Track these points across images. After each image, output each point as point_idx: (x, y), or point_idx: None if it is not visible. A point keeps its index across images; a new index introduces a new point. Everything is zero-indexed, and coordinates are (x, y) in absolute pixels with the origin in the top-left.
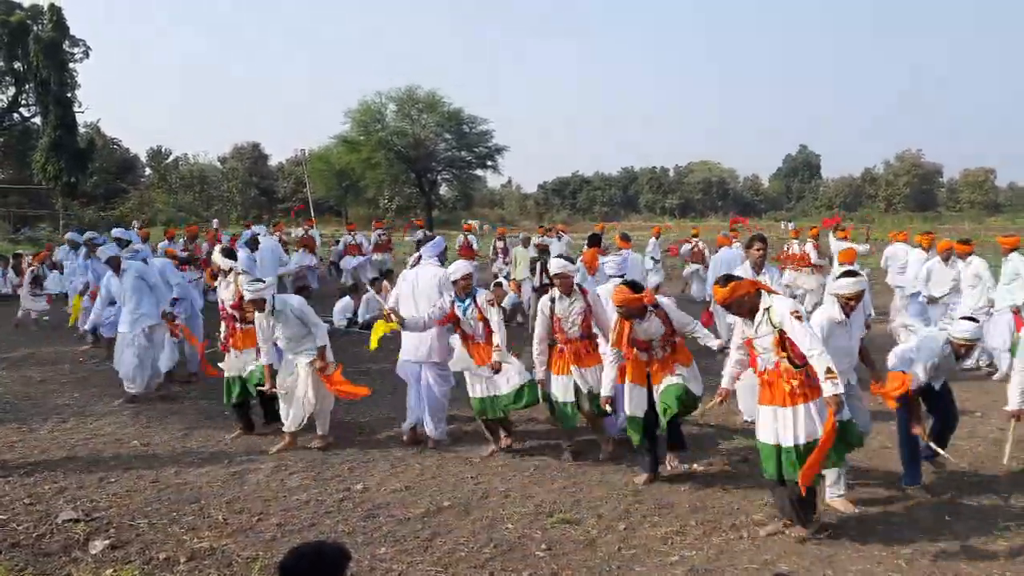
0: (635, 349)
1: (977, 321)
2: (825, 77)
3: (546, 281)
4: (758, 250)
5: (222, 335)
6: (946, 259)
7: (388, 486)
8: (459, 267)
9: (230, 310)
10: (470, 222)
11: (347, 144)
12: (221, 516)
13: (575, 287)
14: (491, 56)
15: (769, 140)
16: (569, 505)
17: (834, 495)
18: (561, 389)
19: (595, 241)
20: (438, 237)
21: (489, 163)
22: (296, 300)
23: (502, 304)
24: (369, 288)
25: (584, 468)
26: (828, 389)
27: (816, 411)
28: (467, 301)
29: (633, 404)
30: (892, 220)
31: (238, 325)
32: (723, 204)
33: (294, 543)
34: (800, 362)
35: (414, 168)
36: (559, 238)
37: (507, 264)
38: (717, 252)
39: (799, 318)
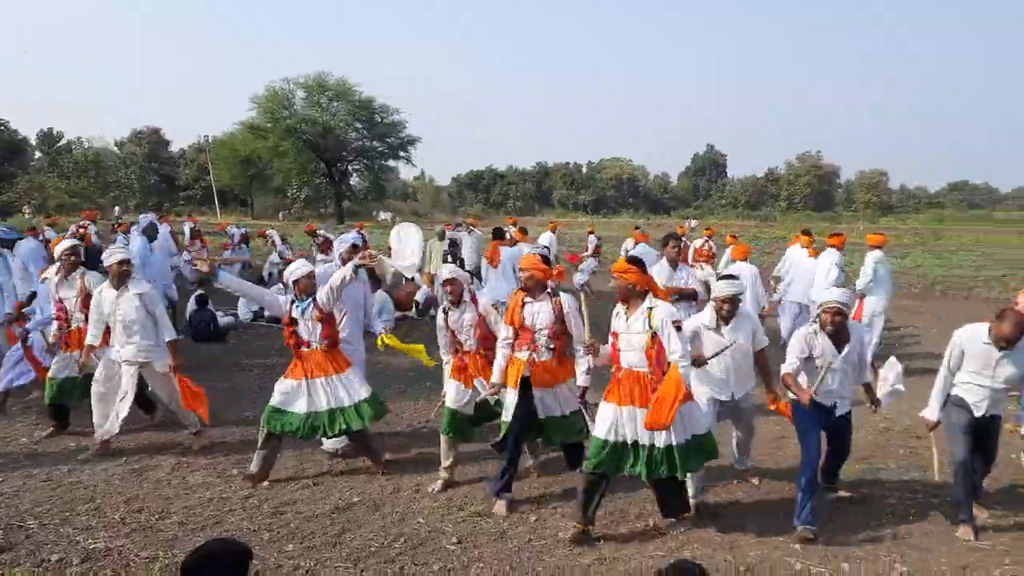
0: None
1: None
2: (733, 78)
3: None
4: (673, 248)
5: (54, 333)
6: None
7: (295, 483)
8: (298, 267)
9: (72, 310)
10: (383, 215)
11: (253, 131)
12: (118, 515)
13: (465, 297)
14: (404, 47)
15: (678, 139)
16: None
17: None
18: (452, 396)
19: (499, 234)
20: (354, 232)
21: (402, 154)
22: (150, 286)
23: (415, 298)
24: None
25: (496, 462)
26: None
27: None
28: (307, 301)
29: (506, 406)
30: (792, 218)
31: (75, 325)
32: (634, 201)
33: (197, 542)
34: (662, 368)
35: (324, 157)
36: (469, 232)
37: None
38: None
39: (679, 328)
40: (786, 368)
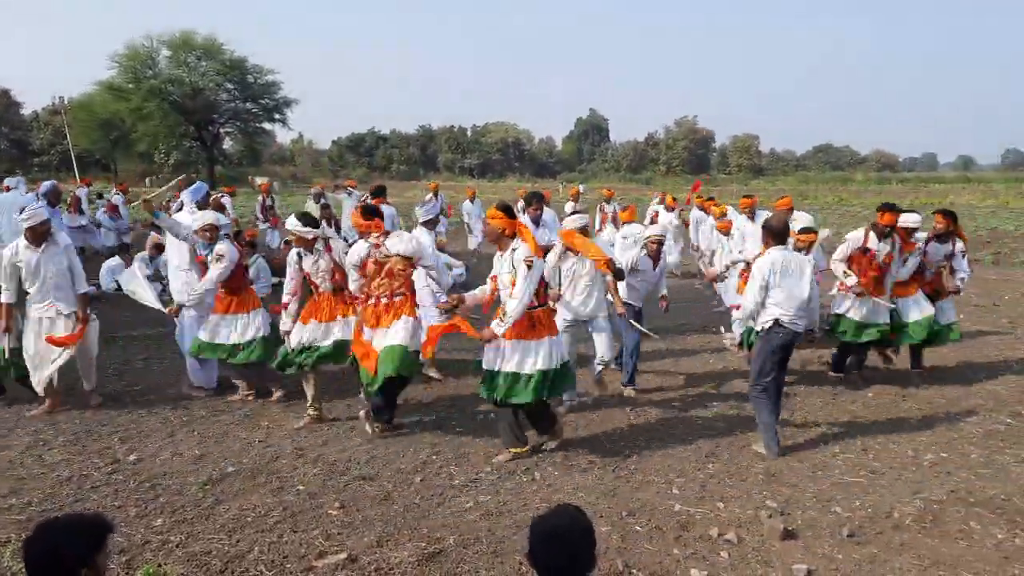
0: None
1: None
2: (614, 44)
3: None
4: (535, 209)
5: None
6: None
7: (165, 455)
8: (204, 216)
9: None
10: (263, 180)
11: (113, 91)
12: None
13: (318, 246)
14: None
15: (562, 104)
16: (365, 462)
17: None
18: (311, 336)
19: (380, 192)
20: (199, 182)
21: (277, 116)
22: (65, 237)
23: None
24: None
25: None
26: (495, 325)
27: (553, 345)
28: (212, 248)
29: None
30: (672, 182)
31: None
32: (519, 165)
33: None
34: (540, 300)
35: (193, 120)
36: (349, 194)
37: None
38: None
39: (529, 266)
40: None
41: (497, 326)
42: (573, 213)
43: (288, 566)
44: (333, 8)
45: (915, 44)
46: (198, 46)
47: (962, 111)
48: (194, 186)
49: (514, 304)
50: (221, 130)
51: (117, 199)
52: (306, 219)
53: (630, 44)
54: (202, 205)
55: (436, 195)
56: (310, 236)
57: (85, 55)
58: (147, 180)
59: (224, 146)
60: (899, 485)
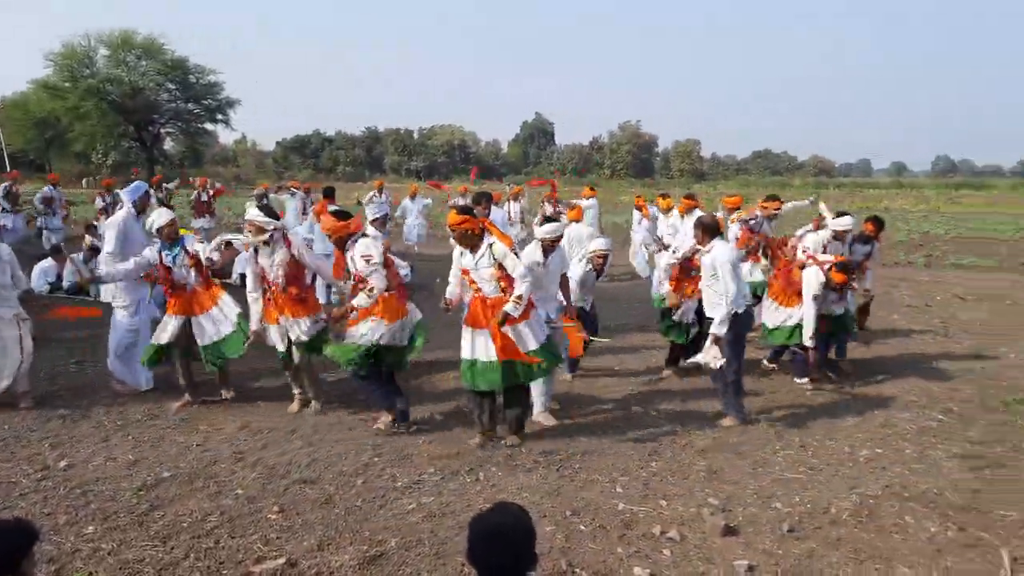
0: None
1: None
2: (559, 48)
3: None
4: (484, 207)
5: None
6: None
7: (98, 460)
8: (161, 213)
9: None
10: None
11: (49, 90)
12: None
13: (276, 237)
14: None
15: (508, 107)
16: (306, 464)
17: (539, 411)
18: (274, 337)
19: (329, 193)
20: (137, 182)
21: (220, 117)
22: (6, 248)
23: (236, 267)
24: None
25: (326, 425)
26: (509, 307)
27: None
28: (176, 249)
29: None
30: (616, 185)
31: None
32: (466, 167)
33: None
34: (510, 291)
35: (132, 120)
36: (292, 194)
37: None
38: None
39: (517, 254)
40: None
41: (513, 309)
42: (547, 222)
43: (225, 572)
44: (276, 6)
45: (854, 53)
46: (138, 45)
47: (896, 119)
48: (132, 185)
49: (525, 286)
50: (162, 130)
51: (50, 192)
52: (267, 210)
53: (578, 48)
54: (140, 205)
55: (381, 192)
56: (270, 228)
57: (18, 53)
58: (84, 181)
59: (165, 147)
60: (836, 481)
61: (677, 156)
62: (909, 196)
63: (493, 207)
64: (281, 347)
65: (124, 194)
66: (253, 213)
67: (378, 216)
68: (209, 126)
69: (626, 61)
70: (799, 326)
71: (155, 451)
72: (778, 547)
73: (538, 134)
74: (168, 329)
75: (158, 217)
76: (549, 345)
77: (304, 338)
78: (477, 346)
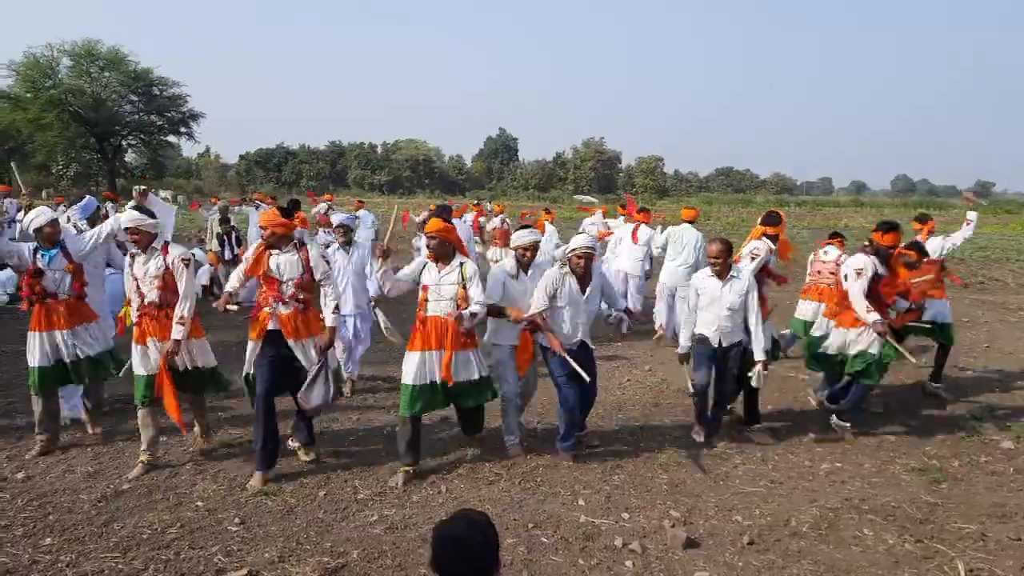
0: (268, 298)
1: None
2: (523, 64)
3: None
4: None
5: None
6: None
7: (56, 472)
8: (42, 212)
9: None
10: (163, 194)
11: (10, 101)
12: None
13: (155, 244)
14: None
15: (471, 122)
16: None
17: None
18: (137, 361)
19: (294, 206)
20: (88, 198)
21: (183, 130)
22: None
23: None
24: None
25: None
26: (466, 314)
27: (475, 357)
28: (54, 251)
29: (249, 363)
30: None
31: None
32: (430, 182)
33: None
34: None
35: (94, 132)
36: (257, 208)
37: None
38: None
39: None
40: (535, 307)
41: (468, 320)
42: (522, 228)
43: None
44: (241, 19)
45: (814, 74)
46: (102, 55)
47: (856, 138)
48: (83, 201)
49: (480, 308)
50: (124, 142)
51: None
52: (145, 211)
53: (541, 65)
54: (92, 221)
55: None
56: (153, 231)
57: None
58: (43, 192)
59: (126, 158)
60: (797, 494)
61: (640, 172)
62: (868, 214)
63: (456, 221)
64: (137, 370)
65: (75, 211)
66: (131, 216)
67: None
68: (172, 139)
69: (589, 78)
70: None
71: (115, 463)
72: (739, 559)
73: (502, 149)
74: (35, 350)
75: (38, 216)
76: (489, 380)
77: (188, 366)
78: (426, 369)
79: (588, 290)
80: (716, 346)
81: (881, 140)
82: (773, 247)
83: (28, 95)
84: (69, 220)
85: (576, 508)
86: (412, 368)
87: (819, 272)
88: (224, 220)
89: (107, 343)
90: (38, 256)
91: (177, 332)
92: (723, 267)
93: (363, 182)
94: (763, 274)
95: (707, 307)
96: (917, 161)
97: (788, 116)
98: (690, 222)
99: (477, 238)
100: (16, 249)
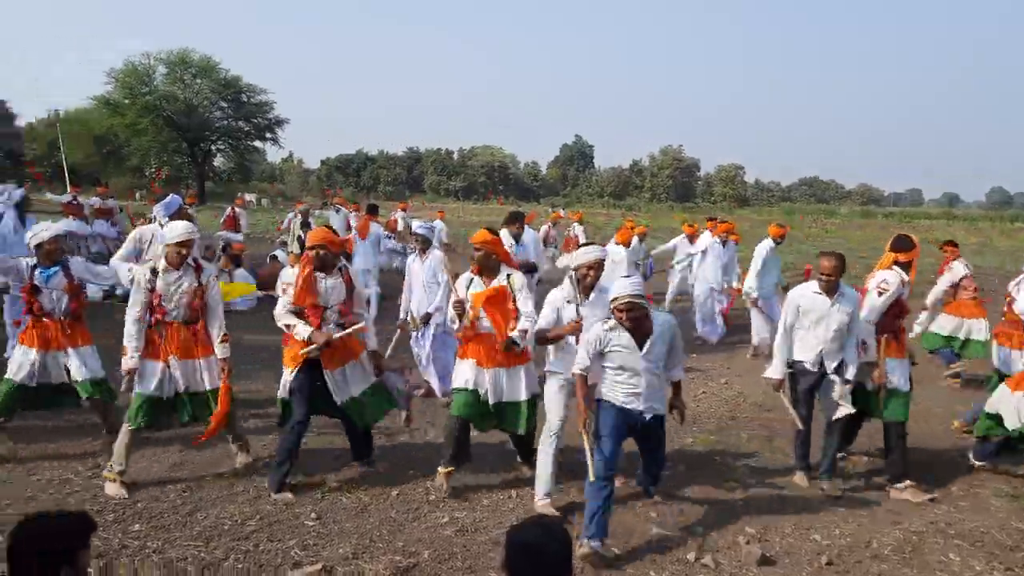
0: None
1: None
2: (601, 71)
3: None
4: (519, 226)
5: None
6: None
7: (144, 462)
8: (46, 227)
9: None
10: (248, 197)
11: (110, 106)
12: None
13: (189, 261)
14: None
15: (547, 129)
16: (341, 474)
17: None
18: (152, 380)
19: (372, 210)
20: (172, 196)
21: (269, 135)
22: None
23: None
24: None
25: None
26: (515, 335)
27: (526, 376)
28: (53, 269)
29: (285, 388)
30: (656, 208)
31: None
32: (504, 188)
33: None
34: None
35: (186, 136)
36: (337, 211)
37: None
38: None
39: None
40: (576, 367)
41: (519, 338)
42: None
43: (263, 575)
44: (325, 28)
45: (907, 85)
46: (194, 64)
47: (949, 149)
48: (167, 199)
49: (530, 324)
50: (213, 147)
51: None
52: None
53: (619, 71)
54: (173, 218)
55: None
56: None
57: (82, 70)
58: (137, 194)
59: (215, 163)
60: (879, 515)
61: (719, 180)
62: (961, 228)
63: (528, 228)
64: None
65: (159, 209)
66: (188, 228)
67: (421, 234)
68: (258, 144)
69: (669, 81)
70: None
71: (199, 455)
72: None
73: (577, 156)
74: (21, 365)
75: (42, 231)
76: (534, 402)
77: (198, 389)
78: (477, 379)
79: (648, 344)
80: (816, 371)
81: (976, 152)
82: (906, 278)
83: (126, 101)
84: (155, 219)
85: (648, 520)
86: (463, 373)
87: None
88: (305, 223)
89: (98, 370)
90: (36, 273)
91: (223, 350)
92: (834, 284)
93: (439, 187)
94: (896, 308)
95: (811, 327)
96: (1016, 173)
97: (878, 126)
98: (775, 240)
99: (554, 248)
100: (13, 264)
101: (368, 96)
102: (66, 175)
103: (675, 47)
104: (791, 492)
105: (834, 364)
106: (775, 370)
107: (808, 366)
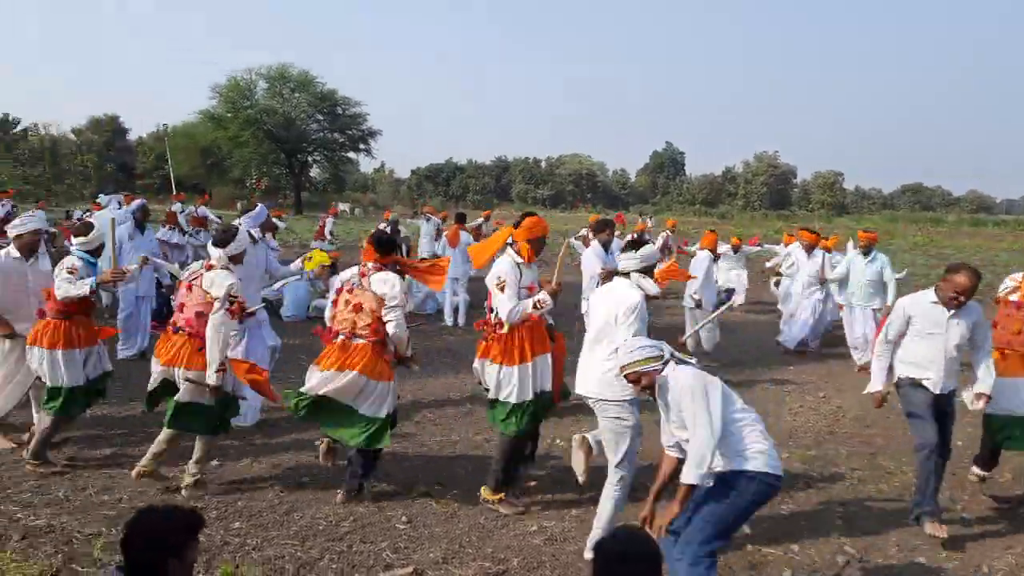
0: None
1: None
2: (692, 77)
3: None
4: (609, 234)
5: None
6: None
7: (244, 462)
8: (25, 219)
9: None
10: (342, 206)
11: (214, 120)
12: (61, 493)
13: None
14: (367, 40)
15: (637, 136)
16: (431, 481)
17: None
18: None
19: (460, 219)
20: (260, 207)
21: (362, 146)
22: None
23: None
24: None
25: (444, 446)
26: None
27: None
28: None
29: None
30: (750, 217)
31: None
32: (592, 196)
33: None
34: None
35: (284, 148)
36: (427, 220)
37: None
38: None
39: (502, 288)
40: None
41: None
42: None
43: (357, 575)
44: (414, 44)
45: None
46: (293, 78)
47: None
48: (255, 211)
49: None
50: (309, 158)
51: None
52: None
53: (710, 77)
54: (262, 228)
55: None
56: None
57: (186, 87)
58: (238, 204)
59: (311, 173)
60: (989, 538)
61: (817, 188)
62: None
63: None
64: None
65: (246, 220)
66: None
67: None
68: (352, 155)
69: (763, 87)
70: None
71: (296, 458)
72: None
73: (668, 163)
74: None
75: (21, 223)
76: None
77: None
78: (540, 377)
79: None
80: (936, 392)
81: None
82: None
83: (228, 115)
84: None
85: (742, 536)
86: (524, 378)
87: None
88: (395, 232)
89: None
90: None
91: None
92: (963, 303)
93: (526, 196)
94: None
95: (925, 340)
96: None
97: (984, 129)
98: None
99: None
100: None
101: (457, 106)
102: (173, 186)
103: (766, 52)
104: (894, 508)
105: (950, 388)
106: (875, 383)
107: (929, 387)
